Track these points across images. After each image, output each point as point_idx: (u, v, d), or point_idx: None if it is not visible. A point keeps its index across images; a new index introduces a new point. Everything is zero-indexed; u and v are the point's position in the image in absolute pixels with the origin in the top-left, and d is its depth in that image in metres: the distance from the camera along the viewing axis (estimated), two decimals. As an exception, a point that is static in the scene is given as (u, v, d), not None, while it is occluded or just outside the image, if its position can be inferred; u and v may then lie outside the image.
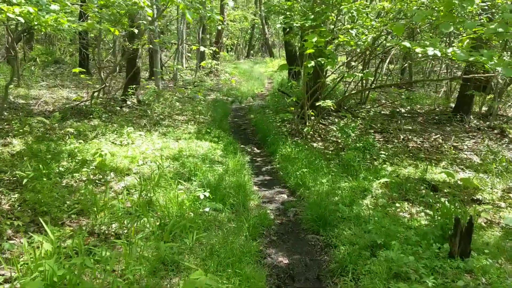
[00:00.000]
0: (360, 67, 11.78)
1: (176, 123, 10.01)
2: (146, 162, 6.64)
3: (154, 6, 10.58)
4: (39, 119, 8.21)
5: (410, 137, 10.11)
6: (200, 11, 9.79)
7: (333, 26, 8.80)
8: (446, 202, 5.56)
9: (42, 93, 12.21)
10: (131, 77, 11.11)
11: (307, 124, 9.55)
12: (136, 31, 9.50)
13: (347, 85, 14.18)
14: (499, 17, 6.07)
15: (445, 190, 6.38)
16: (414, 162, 7.85)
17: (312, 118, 9.74)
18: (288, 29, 12.56)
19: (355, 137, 8.47)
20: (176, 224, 4.26)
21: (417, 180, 6.76)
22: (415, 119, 12.53)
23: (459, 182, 6.68)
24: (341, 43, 8.07)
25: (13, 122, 7.87)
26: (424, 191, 6.26)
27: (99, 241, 4.13)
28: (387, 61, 11.03)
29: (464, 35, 7.84)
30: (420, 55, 16.97)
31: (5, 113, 8.67)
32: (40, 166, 5.55)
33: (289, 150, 8.02)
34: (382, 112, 13.45)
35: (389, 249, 4.13)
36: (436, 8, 6.97)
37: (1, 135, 7.20)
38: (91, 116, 9.31)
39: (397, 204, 5.54)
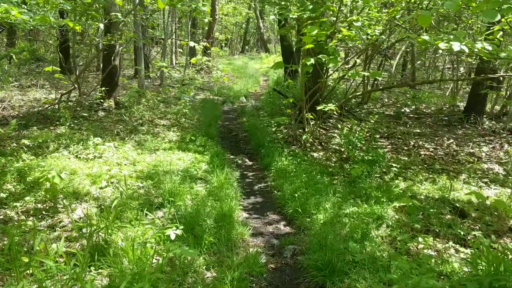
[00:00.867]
0: (359, 63, 10.62)
1: (156, 129, 8.84)
2: (111, 183, 5.48)
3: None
4: (-8, 128, 7.05)
5: (420, 142, 8.99)
6: (184, 1, 8.64)
7: (334, 18, 7.64)
8: (482, 237, 4.45)
9: (12, 95, 11.01)
10: (107, 77, 9.91)
11: (306, 130, 8.41)
12: (108, 24, 8.33)
13: (349, 84, 13.02)
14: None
15: (473, 215, 5.26)
16: (431, 176, 6.73)
17: (312, 123, 8.59)
18: (283, 22, 11.37)
19: (361, 146, 7.33)
20: None
21: (438, 200, 5.64)
22: (422, 121, 11.42)
23: (488, 203, 5.57)
24: (344, 38, 6.90)
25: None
26: (448, 216, 5.15)
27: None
28: (397, 58, 9.86)
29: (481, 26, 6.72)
30: (427, 50, 15.87)
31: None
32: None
33: (286, 163, 6.88)
34: (386, 112, 12.34)
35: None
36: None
37: None
38: (58, 123, 8.13)
39: (420, 239, 4.41)
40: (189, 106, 11.51)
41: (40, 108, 9.06)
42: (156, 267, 3.47)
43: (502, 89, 12.73)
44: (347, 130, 7.90)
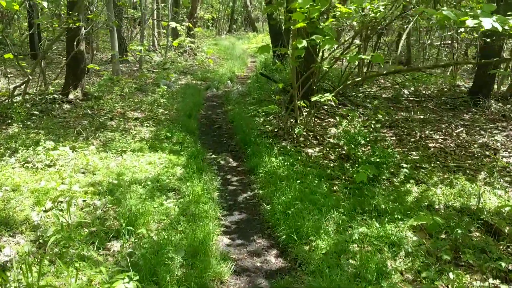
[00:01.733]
0: (358, 44, 9.48)
1: (128, 123, 7.72)
2: (59, 202, 4.40)
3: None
4: None
5: (427, 132, 7.99)
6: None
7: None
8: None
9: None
10: (72, 64, 8.71)
11: (298, 121, 7.35)
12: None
13: (342, 65, 11.89)
14: None
15: (506, 230, 4.29)
16: (446, 176, 5.74)
17: (305, 113, 7.54)
18: (270, -2, 10.19)
19: (365, 143, 6.29)
20: None
21: (461, 212, 4.65)
22: (424, 105, 10.40)
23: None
24: (342, 15, 5.79)
25: None
26: (477, 233, 4.17)
27: None
28: (403, 37, 8.72)
29: None
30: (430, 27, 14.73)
31: None
32: None
33: (276, 165, 5.83)
34: (383, 95, 11.29)
35: None
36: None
37: None
38: (11, 121, 6.98)
39: (451, 275, 3.42)
40: (167, 95, 10.37)
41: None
42: None
43: (509, 67, 11.74)
44: (346, 123, 6.84)
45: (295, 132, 6.77)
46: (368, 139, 6.21)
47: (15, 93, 7.97)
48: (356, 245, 3.83)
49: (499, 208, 4.63)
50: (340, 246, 3.77)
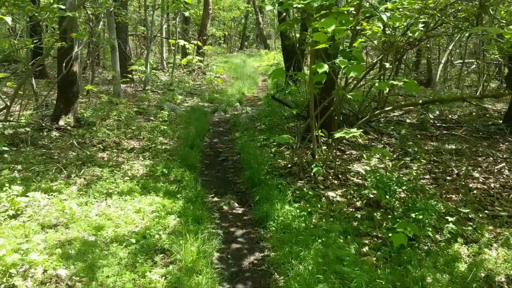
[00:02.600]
0: (387, 68, 8.47)
1: (122, 155, 6.78)
2: (10, 276, 3.41)
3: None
4: None
5: (463, 167, 6.92)
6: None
7: (352, 8, 5.52)
8: None
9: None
10: (63, 87, 7.84)
11: (316, 156, 6.33)
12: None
13: (365, 87, 10.86)
14: None
15: None
16: (498, 231, 4.67)
17: (324, 146, 6.53)
18: (284, 14, 9.26)
19: (401, 191, 5.22)
20: None
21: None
22: (453, 132, 9.33)
23: None
24: (374, 34, 4.81)
25: None
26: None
27: None
28: (444, 59, 7.64)
29: None
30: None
31: None
32: None
33: (291, 214, 4.81)
34: (407, 119, 10.23)
35: None
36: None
37: None
38: (-16, 154, 6.09)
39: None
40: (171, 119, 9.47)
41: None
42: None
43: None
44: (375, 162, 5.80)
45: (313, 171, 5.74)
46: (404, 186, 5.13)
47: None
48: None
49: None
50: None
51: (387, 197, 4.83)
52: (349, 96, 5.46)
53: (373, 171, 5.56)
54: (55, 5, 5.94)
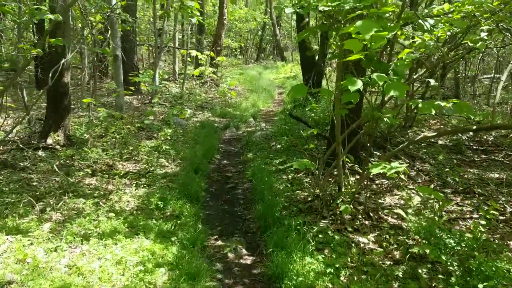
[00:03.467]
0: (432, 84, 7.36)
1: (113, 181, 5.80)
2: None
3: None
4: None
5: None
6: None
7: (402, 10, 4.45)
8: None
9: None
10: (53, 100, 6.94)
11: (343, 189, 5.26)
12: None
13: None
14: None
15: None
16: None
17: (351, 177, 5.45)
18: (306, 20, 8.23)
19: (459, 249, 4.08)
20: None
21: None
22: (492, 155, 8.17)
23: None
24: (424, 45, 3.77)
25: None
26: None
27: None
28: (505, 73, 6.48)
29: None
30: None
31: None
32: None
33: (313, 272, 3.73)
34: (439, 141, 9.07)
35: None
36: None
37: None
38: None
39: None
40: (175, 137, 8.52)
41: None
42: None
43: None
44: (418, 205, 4.69)
45: (340, 209, 4.67)
46: (463, 244, 3.99)
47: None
48: None
49: None
50: None
51: (439, 253, 3.72)
52: (386, 120, 4.39)
53: (416, 214, 4.46)
54: (41, 6, 5.03)
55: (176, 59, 17.93)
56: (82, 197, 5.15)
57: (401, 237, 4.44)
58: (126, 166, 6.53)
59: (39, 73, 11.83)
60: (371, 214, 5.07)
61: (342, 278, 3.73)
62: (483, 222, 4.25)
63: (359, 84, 3.81)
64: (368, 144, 4.88)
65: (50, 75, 5.87)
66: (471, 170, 7.35)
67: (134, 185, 5.77)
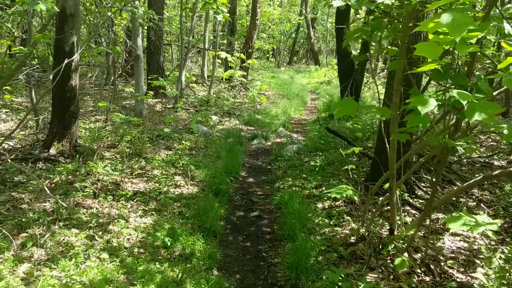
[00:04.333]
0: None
1: (117, 204, 4.90)
2: None
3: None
4: None
5: None
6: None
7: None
8: None
9: None
10: (58, 105, 6.13)
11: (396, 231, 4.18)
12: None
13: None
14: None
15: None
16: None
17: (407, 217, 4.37)
18: (358, 16, 7.10)
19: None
20: None
21: None
22: None
23: None
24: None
25: None
26: None
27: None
28: None
29: None
30: None
31: None
32: None
33: None
34: (494, 162, 7.79)
35: None
36: None
37: None
38: None
39: None
40: (196, 149, 7.60)
41: None
42: None
43: None
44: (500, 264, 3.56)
45: (395, 263, 3.59)
46: None
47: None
48: None
49: None
50: None
51: None
52: (460, 149, 3.30)
53: (499, 274, 3.34)
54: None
55: (205, 60, 17.11)
56: (76, 227, 4.26)
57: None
58: (136, 185, 5.62)
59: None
60: (432, 267, 3.97)
61: None
62: None
63: (432, 104, 2.77)
64: (434, 180, 3.77)
65: (51, 77, 5.03)
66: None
67: (140, 210, 4.85)
